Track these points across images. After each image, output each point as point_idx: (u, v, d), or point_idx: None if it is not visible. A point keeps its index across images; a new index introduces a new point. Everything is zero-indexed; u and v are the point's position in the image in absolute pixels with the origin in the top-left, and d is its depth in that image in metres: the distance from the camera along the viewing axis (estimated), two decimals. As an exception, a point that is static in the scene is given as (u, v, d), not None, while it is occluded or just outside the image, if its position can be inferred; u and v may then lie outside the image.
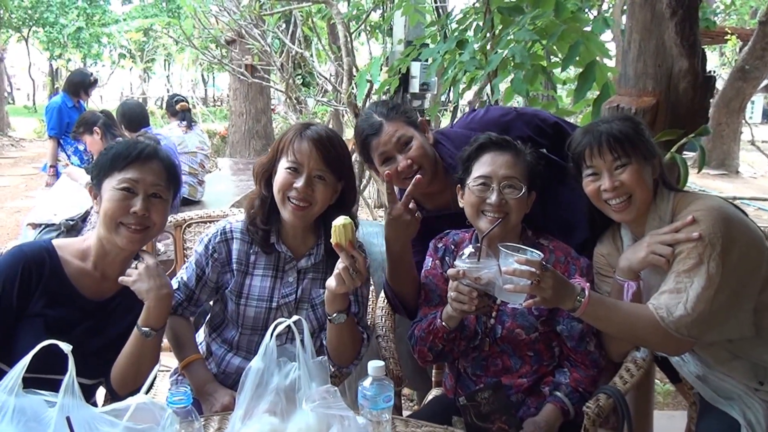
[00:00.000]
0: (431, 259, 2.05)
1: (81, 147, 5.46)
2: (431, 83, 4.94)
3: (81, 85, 5.79)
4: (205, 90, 25.37)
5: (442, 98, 4.81)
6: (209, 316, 2.07)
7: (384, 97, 4.04)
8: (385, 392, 1.48)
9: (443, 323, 1.85)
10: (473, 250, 1.77)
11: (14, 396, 1.16)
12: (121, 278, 1.69)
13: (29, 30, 21.78)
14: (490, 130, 2.00)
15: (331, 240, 1.68)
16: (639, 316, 1.68)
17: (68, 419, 1.05)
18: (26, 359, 1.17)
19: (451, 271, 1.76)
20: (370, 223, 3.43)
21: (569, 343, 1.90)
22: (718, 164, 12.18)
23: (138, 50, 18.46)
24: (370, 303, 2.18)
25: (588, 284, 1.70)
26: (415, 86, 4.91)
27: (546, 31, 3.13)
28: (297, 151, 1.82)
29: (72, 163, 5.48)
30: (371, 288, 2.25)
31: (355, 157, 3.49)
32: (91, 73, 6.01)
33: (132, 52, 19.04)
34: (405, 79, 4.88)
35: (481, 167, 1.88)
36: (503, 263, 1.64)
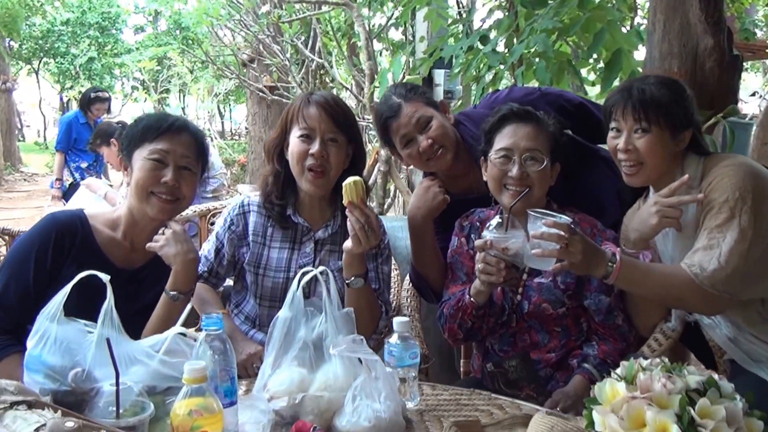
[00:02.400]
0: (456, 238, 2.14)
1: (83, 165, 5.80)
2: (455, 91, 5.07)
3: (84, 101, 6.09)
4: (222, 123, 25.84)
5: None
6: (231, 293, 2.19)
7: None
8: (411, 349, 1.59)
9: (472, 299, 1.93)
10: (500, 221, 1.85)
11: (56, 323, 1.29)
12: (148, 244, 1.82)
13: (40, 62, 22.51)
14: None
15: (343, 200, 1.79)
16: (673, 276, 1.75)
17: (108, 341, 1.17)
18: (67, 288, 1.31)
19: (478, 242, 1.85)
20: (395, 218, 3.54)
21: (597, 317, 1.97)
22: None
23: (152, 80, 19.01)
24: (394, 285, 2.28)
25: (618, 249, 1.79)
26: (439, 94, 5.03)
27: (570, 23, 3.27)
28: (307, 118, 1.95)
29: (74, 180, 5.80)
30: (396, 272, 2.36)
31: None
32: (95, 90, 6.28)
33: (146, 82, 19.61)
34: (429, 87, 5.02)
35: (503, 139, 1.98)
36: (531, 227, 1.73)
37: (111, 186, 4.57)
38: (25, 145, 21.40)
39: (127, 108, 22.58)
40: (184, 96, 23.18)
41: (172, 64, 18.84)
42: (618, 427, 0.92)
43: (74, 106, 21.47)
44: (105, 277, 1.29)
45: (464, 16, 4.02)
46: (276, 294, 2.02)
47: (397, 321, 1.60)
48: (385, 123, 2.22)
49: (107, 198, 4.21)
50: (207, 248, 2.11)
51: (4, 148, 16.24)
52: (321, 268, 1.57)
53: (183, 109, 21.53)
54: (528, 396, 1.88)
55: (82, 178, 5.66)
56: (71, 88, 22.50)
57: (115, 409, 1.20)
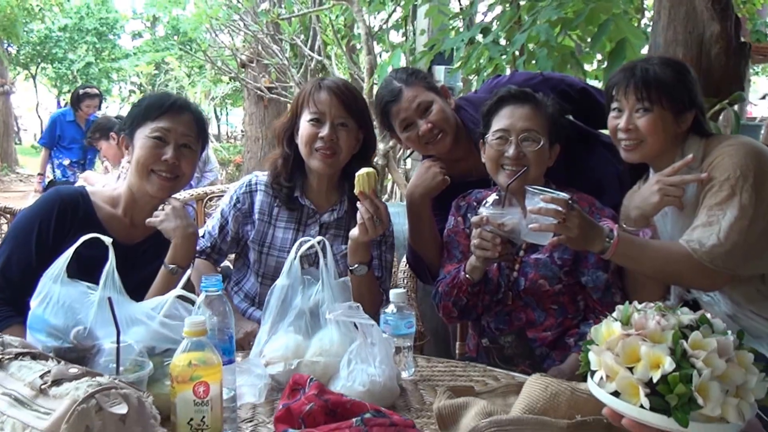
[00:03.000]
0: (453, 217, 2.18)
1: (66, 162, 5.93)
2: (456, 87, 5.13)
3: (73, 98, 6.20)
4: (218, 126, 25.94)
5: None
6: (233, 271, 2.23)
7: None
8: (406, 318, 1.63)
9: (467, 275, 1.97)
10: (497, 198, 1.91)
11: (59, 284, 1.34)
12: (148, 219, 1.88)
13: (37, 67, 22.65)
14: None
15: (355, 190, 1.85)
16: (671, 251, 1.79)
17: (110, 300, 1.21)
18: (70, 250, 1.35)
19: (474, 219, 1.89)
20: (392, 204, 3.59)
21: (594, 294, 2.00)
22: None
23: (149, 84, 19.13)
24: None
25: (616, 225, 1.83)
26: (439, 91, 5.10)
27: (574, 16, 3.32)
28: (318, 102, 2.01)
29: (54, 177, 5.95)
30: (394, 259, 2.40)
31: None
32: (84, 86, 6.37)
33: (143, 86, 19.72)
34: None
35: (500, 121, 2.02)
36: (529, 203, 1.77)
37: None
38: (21, 148, 21.49)
39: (124, 112, 22.68)
40: (181, 101, 23.19)
41: (169, 68, 18.96)
42: (613, 363, 0.96)
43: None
44: (107, 240, 1.34)
45: (465, 9, 4.07)
46: (278, 273, 2.05)
47: (394, 292, 1.65)
48: (386, 107, 2.26)
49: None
50: (211, 224, 2.17)
51: (1, 149, 16.35)
52: (318, 238, 1.62)
53: (180, 113, 21.59)
54: (523, 372, 1.92)
55: (64, 175, 5.86)
56: (68, 92, 22.66)
57: (115, 366, 1.24)
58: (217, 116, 25.37)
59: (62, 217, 1.82)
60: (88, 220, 1.85)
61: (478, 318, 2.11)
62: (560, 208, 1.70)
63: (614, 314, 1.05)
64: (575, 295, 2.05)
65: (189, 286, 1.88)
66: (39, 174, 6.14)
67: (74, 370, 1.04)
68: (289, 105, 8.41)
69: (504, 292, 2.04)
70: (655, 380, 0.92)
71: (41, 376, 1.03)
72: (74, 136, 6.07)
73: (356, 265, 1.94)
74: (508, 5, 3.74)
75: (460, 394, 1.44)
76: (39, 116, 24.96)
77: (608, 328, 1.02)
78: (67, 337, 1.29)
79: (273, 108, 9.72)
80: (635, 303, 1.05)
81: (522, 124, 1.99)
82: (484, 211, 1.87)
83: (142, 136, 1.89)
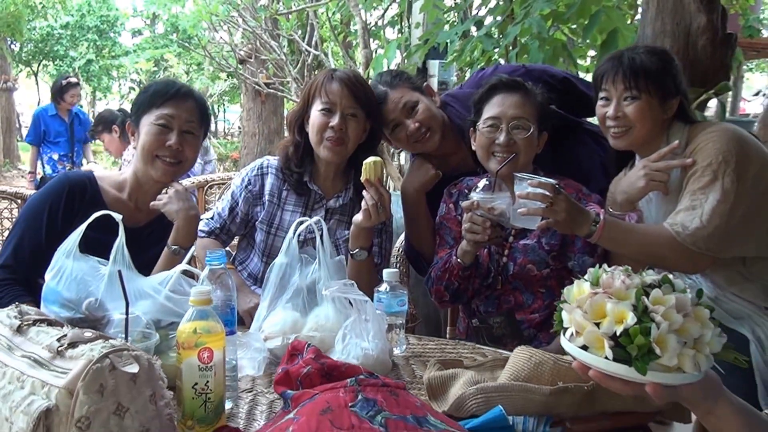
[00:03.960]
0: (445, 204, 2.26)
1: (55, 156, 6.04)
2: (450, 81, 5.20)
3: (56, 89, 6.23)
4: (216, 123, 25.99)
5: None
6: (235, 253, 2.31)
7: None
8: (399, 297, 1.70)
9: (458, 260, 2.05)
10: (487, 183, 1.98)
11: (72, 259, 1.41)
12: (152, 203, 1.95)
13: (39, 64, 22.70)
14: None
15: (361, 177, 1.93)
16: (656, 234, 1.86)
17: (119, 273, 1.28)
18: (83, 226, 1.43)
19: (465, 203, 1.97)
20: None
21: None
22: None
23: (148, 81, 19.17)
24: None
25: (602, 210, 1.90)
26: (434, 85, 5.17)
27: (565, 9, 3.40)
28: (329, 92, 2.08)
29: (44, 173, 6.04)
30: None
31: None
32: (64, 77, 6.41)
33: (143, 82, 19.77)
34: (423, 78, 5.16)
35: (491, 109, 2.09)
36: (518, 188, 1.83)
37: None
38: (22, 145, 21.56)
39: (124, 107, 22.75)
40: (179, 97, 23.25)
41: (168, 65, 19.02)
42: (582, 320, 1.04)
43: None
44: (118, 216, 1.42)
45: (459, 3, 4.14)
46: None
47: (387, 271, 1.72)
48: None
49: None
50: (221, 206, 2.26)
51: (4, 145, 16.36)
52: (315, 218, 1.69)
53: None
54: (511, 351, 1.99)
55: (54, 170, 5.95)
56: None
57: (123, 336, 1.31)
58: (214, 113, 25.39)
59: (71, 200, 1.89)
60: (95, 203, 1.92)
61: (468, 301, 2.18)
62: (547, 193, 1.76)
63: (585, 276, 1.13)
64: (562, 279, 2.11)
65: (192, 265, 1.97)
66: (30, 172, 6.23)
67: (89, 333, 1.10)
68: (285, 100, 8.49)
69: (494, 276, 2.11)
70: (618, 333, 1.00)
71: (58, 339, 1.10)
72: (58, 130, 6.17)
73: (357, 250, 2.01)
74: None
75: (449, 367, 1.51)
76: (40, 113, 25.09)
77: (579, 288, 1.10)
78: (79, 308, 1.36)
79: (270, 104, 9.79)
80: (605, 265, 1.13)
81: (512, 112, 2.05)
82: (474, 196, 1.95)
83: (148, 122, 1.96)
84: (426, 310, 2.54)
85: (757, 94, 20.99)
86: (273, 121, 10.08)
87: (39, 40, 21.18)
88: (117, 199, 1.99)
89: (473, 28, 3.69)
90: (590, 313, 1.04)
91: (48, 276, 1.43)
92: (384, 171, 1.97)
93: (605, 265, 1.13)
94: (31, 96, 25.74)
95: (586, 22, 3.28)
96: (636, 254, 1.95)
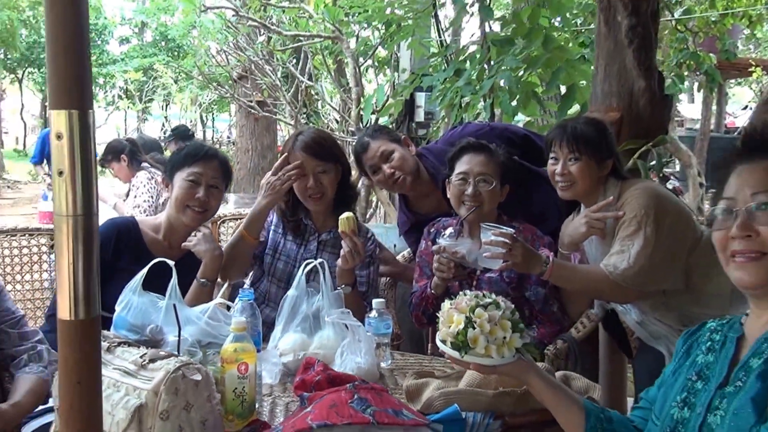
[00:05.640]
0: (424, 241, 2.77)
1: None
2: (436, 112, 5.73)
3: None
4: (204, 132, 26.40)
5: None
6: (250, 274, 2.81)
7: (389, 120, 4.89)
8: (385, 321, 2.21)
9: (432, 291, 2.56)
10: (452, 231, 2.51)
11: (137, 295, 1.91)
12: (184, 243, 2.45)
13: (23, 71, 23.13)
14: None
15: (339, 229, 2.42)
16: (594, 273, 2.36)
17: (174, 306, 1.78)
18: (144, 270, 1.92)
19: (434, 248, 2.49)
20: (377, 225, 4.18)
21: (536, 306, 2.59)
22: (747, 201, 12.80)
23: (137, 90, 19.62)
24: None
25: (552, 253, 2.41)
26: (420, 115, 5.70)
27: (535, 60, 3.94)
28: (297, 159, 2.58)
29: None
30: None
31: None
32: None
33: (130, 92, 20.19)
34: (411, 109, 5.69)
35: (461, 165, 2.60)
36: (483, 236, 2.34)
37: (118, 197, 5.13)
38: (7, 153, 21.86)
39: (112, 117, 23.11)
40: (167, 105, 23.74)
41: (157, 75, 19.49)
42: (442, 326, 1.62)
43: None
44: (170, 262, 1.92)
45: (441, 50, 4.68)
46: (284, 276, 2.66)
47: (375, 301, 2.23)
48: (358, 156, 2.94)
49: (116, 208, 4.80)
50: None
51: (-9, 155, 16.74)
52: (320, 260, 2.20)
53: (166, 118, 22.14)
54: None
55: None
56: (54, 97, 22.99)
57: (177, 353, 1.80)
58: (203, 122, 25.77)
59: (118, 242, 2.39)
60: (136, 243, 2.42)
61: (443, 323, 2.70)
62: (507, 241, 2.26)
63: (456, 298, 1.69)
64: (521, 306, 2.61)
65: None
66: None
67: (162, 353, 1.60)
68: (278, 122, 8.98)
69: (464, 303, 2.63)
70: (456, 333, 1.58)
71: (140, 356, 1.59)
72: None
73: (342, 286, 2.50)
74: (480, 47, 4.35)
75: (423, 377, 2.01)
76: (23, 120, 25.45)
77: (445, 305, 1.67)
78: (143, 332, 1.84)
79: (263, 120, 10.23)
80: (465, 290, 1.70)
81: (478, 169, 2.56)
82: (442, 242, 2.46)
83: (180, 178, 2.45)
84: (410, 328, 3.05)
85: (745, 108, 21.81)
86: (266, 137, 10.58)
87: (25, 47, 21.64)
88: (154, 239, 2.48)
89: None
90: (445, 320, 1.62)
91: (118, 308, 1.91)
92: (356, 223, 2.46)
93: (466, 290, 1.70)
94: (13, 102, 26.13)
95: (552, 72, 3.83)
96: (579, 288, 2.48)
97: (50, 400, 2.01)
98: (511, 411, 1.76)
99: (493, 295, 1.66)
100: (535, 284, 2.57)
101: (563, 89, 4.07)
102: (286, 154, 2.64)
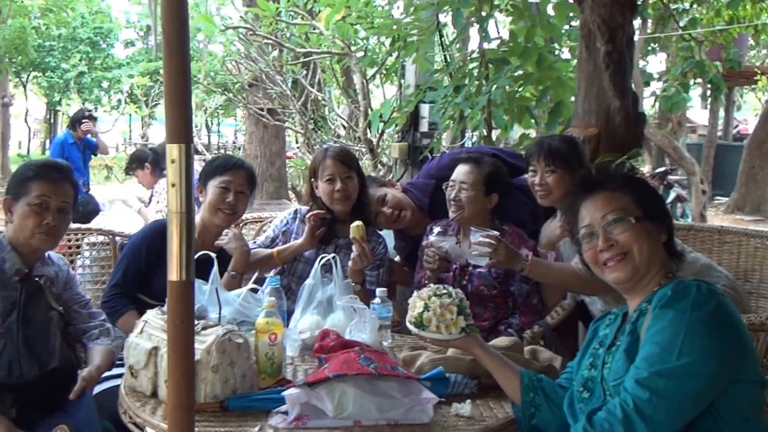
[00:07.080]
0: (426, 237, 3.30)
1: (80, 182, 6.97)
2: (439, 122, 6.25)
3: (75, 119, 7.22)
4: (209, 137, 26.99)
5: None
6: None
7: (395, 130, 5.45)
8: (386, 306, 2.73)
9: (426, 281, 3.08)
10: (440, 229, 3.07)
11: (184, 279, 2.44)
12: (217, 241, 2.97)
13: (28, 75, 23.77)
14: (444, 173, 3.29)
15: (350, 235, 2.96)
16: (566, 269, 2.85)
17: (216, 290, 2.31)
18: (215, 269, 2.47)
19: (424, 243, 3.06)
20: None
21: (519, 298, 3.11)
22: (753, 209, 13.25)
23: (143, 95, 20.24)
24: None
25: (531, 253, 2.93)
26: (424, 126, 6.21)
27: (528, 77, 4.47)
28: (327, 167, 3.13)
29: None
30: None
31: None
32: (88, 111, 7.41)
33: (136, 96, 20.81)
34: (416, 119, 6.22)
35: (453, 174, 3.14)
36: (473, 237, 2.86)
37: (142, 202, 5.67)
38: (13, 158, 22.45)
39: (119, 122, 23.69)
40: (173, 110, 24.19)
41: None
42: (410, 310, 2.14)
43: (63, 120, 22.63)
44: (212, 255, 2.45)
45: (443, 67, 5.22)
46: (303, 275, 3.15)
47: (379, 290, 2.74)
48: None
49: (141, 212, 5.34)
50: (263, 237, 3.33)
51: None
52: (332, 254, 2.73)
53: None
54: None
55: (81, 194, 6.86)
56: (59, 101, 23.69)
57: (218, 327, 2.33)
58: (208, 126, 26.31)
59: (163, 239, 2.91)
60: None
61: (437, 311, 3.24)
62: (492, 241, 2.78)
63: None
64: (507, 297, 3.15)
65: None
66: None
67: (211, 323, 2.14)
68: (288, 130, 9.53)
69: (456, 293, 3.16)
70: (417, 315, 2.09)
71: (195, 326, 2.12)
72: (77, 157, 6.99)
73: (353, 284, 3.03)
74: (478, 64, 4.89)
75: (416, 350, 2.54)
76: (28, 124, 26.10)
77: (414, 294, 2.19)
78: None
79: (272, 127, 10.74)
80: (431, 284, 2.22)
81: (461, 178, 3.09)
82: (431, 238, 3.01)
83: (213, 186, 2.97)
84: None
85: (757, 115, 22.27)
86: (275, 144, 11.11)
87: (30, 52, 22.32)
88: None
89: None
90: (412, 305, 2.14)
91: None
92: (365, 231, 2.99)
93: (431, 284, 2.22)
94: (18, 106, 26.79)
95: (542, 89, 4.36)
96: (554, 282, 3.00)
97: (114, 369, 2.54)
98: (486, 373, 2.28)
99: (450, 288, 2.17)
100: (519, 280, 3.09)
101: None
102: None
